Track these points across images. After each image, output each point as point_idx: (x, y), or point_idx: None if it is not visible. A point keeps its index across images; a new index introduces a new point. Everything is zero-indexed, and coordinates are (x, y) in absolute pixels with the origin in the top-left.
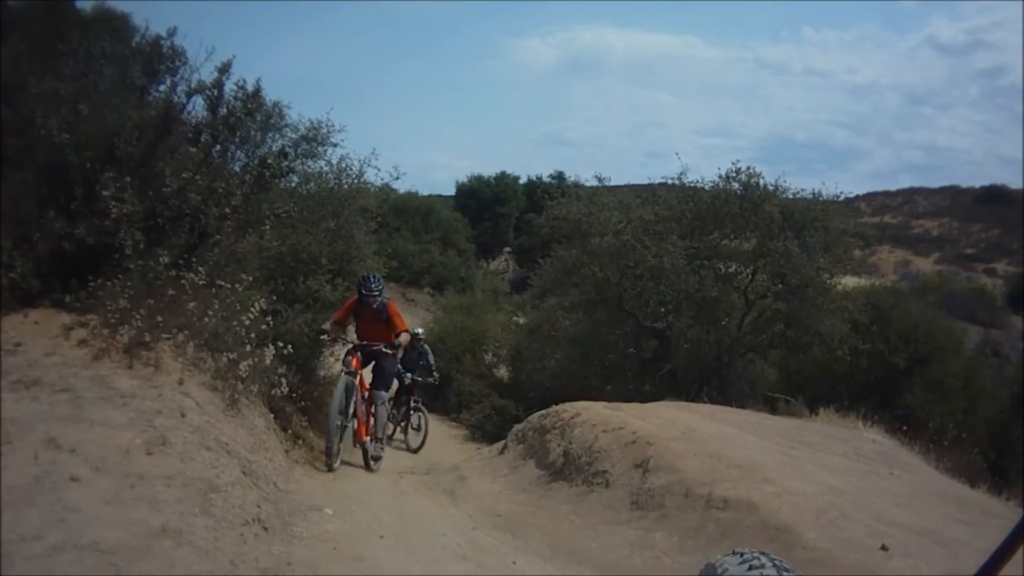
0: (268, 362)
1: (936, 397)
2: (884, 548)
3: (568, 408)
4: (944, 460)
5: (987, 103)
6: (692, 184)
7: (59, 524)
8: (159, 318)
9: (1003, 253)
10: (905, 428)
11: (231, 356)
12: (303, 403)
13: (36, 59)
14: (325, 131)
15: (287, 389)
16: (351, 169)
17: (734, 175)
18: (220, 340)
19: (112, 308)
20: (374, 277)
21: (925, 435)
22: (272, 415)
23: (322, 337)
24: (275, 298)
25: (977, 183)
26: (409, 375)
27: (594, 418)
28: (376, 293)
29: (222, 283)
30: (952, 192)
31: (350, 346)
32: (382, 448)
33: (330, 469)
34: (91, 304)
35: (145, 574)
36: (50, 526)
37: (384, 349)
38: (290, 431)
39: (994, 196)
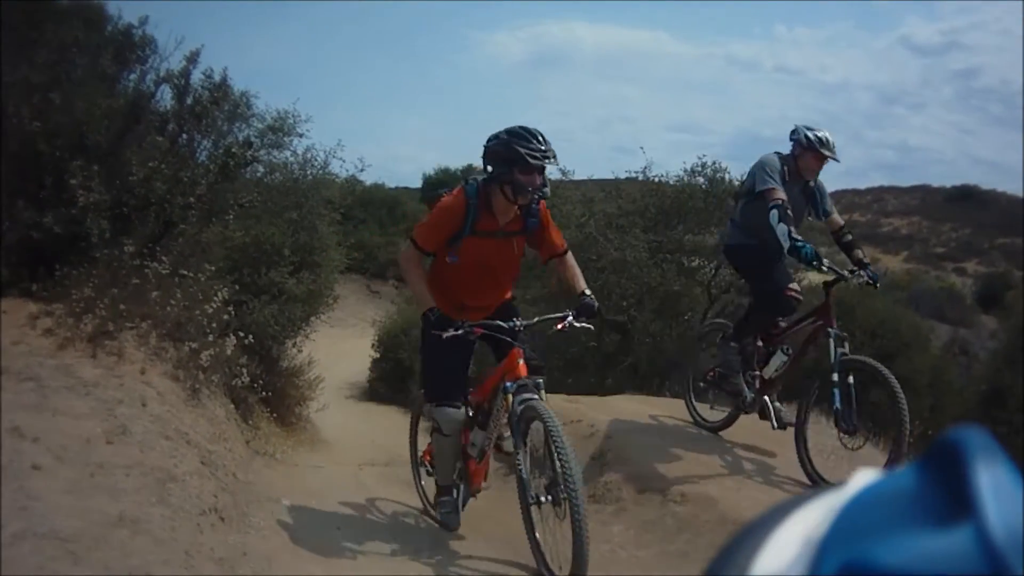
0: (230, 352)
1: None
2: None
3: None
4: (909, 456)
5: (961, 104)
6: (657, 178)
7: (21, 512)
8: (123, 307)
9: (973, 253)
10: (869, 424)
11: (193, 346)
12: (265, 393)
13: (11, 49)
14: (291, 121)
15: (248, 379)
16: (316, 160)
17: (699, 169)
18: (182, 330)
19: (77, 297)
20: (541, 135)
21: (890, 431)
22: (233, 405)
23: (449, 333)
24: (238, 288)
25: (948, 183)
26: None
27: (552, 410)
28: (552, 158)
29: (185, 272)
30: (923, 191)
31: (460, 329)
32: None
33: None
34: (57, 293)
35: (102, 563)
36: (12, 514)
37: (573, 321)
38: (251, 421)
39: (965, 196)
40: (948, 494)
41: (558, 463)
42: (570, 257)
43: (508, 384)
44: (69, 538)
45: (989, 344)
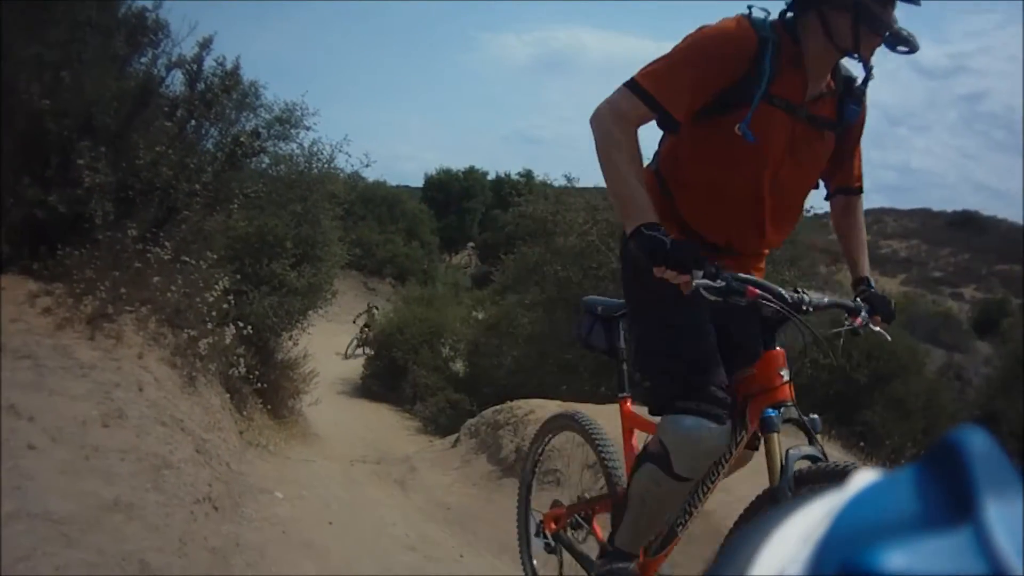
0: (228, 342)
1: (896, 415)
2: None
3: (522, 405)
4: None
5: (965, 128)
6: None
7: (15, 492)
8: (123, 290)
9: (971, 278)
10: (862, 444)
11: (191, 333)
12: (260, 385)
13: (24, 26)
14: (299, 113)
15: (244, 370)
16: (322, 153)
17: None
18: (181, 316)
19: (78, 278)
20: None
21: (883, 452)
22: (228, 395)
23: (699, 280)
24: (239, 278)
25: (949, 208)
26: None
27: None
28: None
29: (187, 259)
30: (923, 215)
31: (718, 278)
32: None
33: None
34: (58, 273)
35: (95, 546)
36: (6, 493)
37: (869, 321)
38: (245, 412)
39: (966, 221)
40: (948, 495)
41: None
42: (861, 203)
43: (770, 413)
44: (63, 520)
45: (984, 370)
